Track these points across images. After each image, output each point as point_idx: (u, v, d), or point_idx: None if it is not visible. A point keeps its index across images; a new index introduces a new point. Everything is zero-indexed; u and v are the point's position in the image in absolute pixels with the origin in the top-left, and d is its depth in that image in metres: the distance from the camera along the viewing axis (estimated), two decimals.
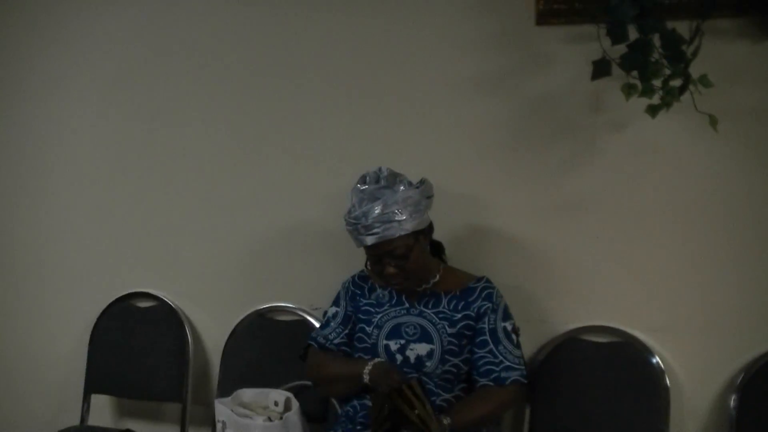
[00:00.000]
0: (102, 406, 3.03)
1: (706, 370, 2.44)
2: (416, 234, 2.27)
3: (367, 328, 2.38)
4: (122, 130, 2.95)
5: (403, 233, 2.22)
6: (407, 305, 2.37)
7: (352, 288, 2.47)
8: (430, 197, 2.31)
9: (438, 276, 2.39)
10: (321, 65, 2.71)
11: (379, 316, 2.38)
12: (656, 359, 2.45)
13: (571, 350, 2.54)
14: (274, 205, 2.82)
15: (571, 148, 2.48)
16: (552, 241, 2.54)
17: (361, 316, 2.42)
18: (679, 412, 2.44)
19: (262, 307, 2.85)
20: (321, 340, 2.45)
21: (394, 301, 2.40)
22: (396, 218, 2.21)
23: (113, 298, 2.98)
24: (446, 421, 2.14)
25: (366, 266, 2.44)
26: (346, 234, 2.50)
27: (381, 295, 2.42)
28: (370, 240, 2.24)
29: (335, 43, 2.69)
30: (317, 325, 2.73)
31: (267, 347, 2.82)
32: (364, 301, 2.43)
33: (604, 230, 2.50)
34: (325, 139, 2.73)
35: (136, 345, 2.95)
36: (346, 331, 2.44)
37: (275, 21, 2.74)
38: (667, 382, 2.43)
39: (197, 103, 2.86)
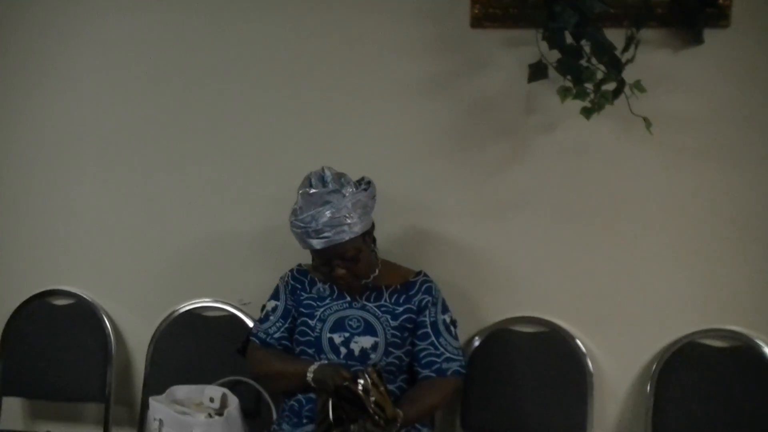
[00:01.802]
0: (16, 410, 2.91)
1: (626, 358, 2.59)
2: (363, 235, 2.31)
3: (309, 322, 2.40)
4: (42, 126, 2.84)
5: (353, 236, 2.26)
6: (349, 299, 2.40)
7: (292, 282, 2.47)
8: (374, 198, 2.35)
9: (378, 270, 2.42)
10: (259, 67, 2.70)
11: (321, 309, 2.40)
12: (581, 348, 2.58)
13: (501, 340, 2.63)
14: (202, 204, 2.78)
15: (506, 149, 2.57)
16: (485, 238, 2.62)
17: (302, 309, 2.43)
18: (601, 397, 2.58)
19: (188, 304, 2.81)
20: (261, 335, 2.44)
21: (335, 295, 2.42)
22: (347, 221, 2.23)
23: (28, 296, 2.86)
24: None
25: (302, 265, 2.47)
26: (274, 232, 2.57)
27: (322, 289, 2.44)
28: (319, 244, 2.25)
29: (275, 45, 2.68)
30: (246, 320, 2.74)
31: (195, 344, 2.78)
32: (305, 295, 2.44)
33: (534, 228, 2.60)
34: (263, 140, 2.72)
35: (54, 345, 2.84)
36: (287, 325, 2.44)
37: (214, 23, 2.70)
38: (591, 368, 2.57)
39: (128, 99, 2.79)
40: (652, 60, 2.40)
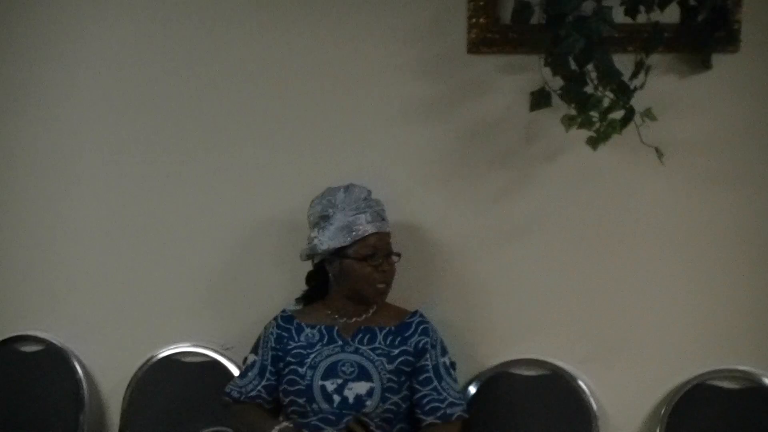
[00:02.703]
0: None
1: (633, 399, 2.47)
2: None
3: (299, 370, 2.25)
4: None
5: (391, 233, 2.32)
6: (341, 342, 2.26)
7: (277, 331, 2.33)
8: None
9: (375, 308, 2.32)
10: (247, 92, 2.59)
11: (312, 355, 2.25)
12: (585, 390, 2.46)
13: (501, 384, 2.51)
14: (181, 241, 2.64)
15: (506, 179, 2.47)
16: (483, 274, 2.52)
17: (291, 359, 2.28)
18: None
19: (167, 349, 2.65)
20: (236, 393, 2.32)
21: (326, 339, 2.28)
22: (385, 216, 2.31)
23: None
24: None
25: (286, 310, 2.36)
26: (258, 271, 2.53)
27: (311, 334, 2.30)
28: (375, 227, 2.25)
29: (267, 66, 2.57)
30: (229, 366, 2.60)
31: (175, 392, 2.63)
32: (294, 344, 2.30)
33: (536, 264, 2.49)
34: (249, 170, 2.60)
35: (22, 394, 2.66)
36: (264, 383, 2.30)
37: (220, 39, 2.60)
38: (596, 412, 2.44)
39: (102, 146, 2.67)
40: (660, 86, 2.32)
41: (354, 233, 2.23)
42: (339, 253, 2.26)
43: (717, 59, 2.33)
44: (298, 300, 2.42)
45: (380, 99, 2.51)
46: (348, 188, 2.30)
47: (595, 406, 2.45)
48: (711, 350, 2.44)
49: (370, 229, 2.23)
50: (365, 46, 2.51)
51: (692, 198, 2.41)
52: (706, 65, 2.32)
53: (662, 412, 2.43)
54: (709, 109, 2.38)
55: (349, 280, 2.27)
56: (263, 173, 2.59)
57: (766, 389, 2.39)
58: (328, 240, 2.25)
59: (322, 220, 2.28)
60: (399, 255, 2.31)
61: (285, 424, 2.18)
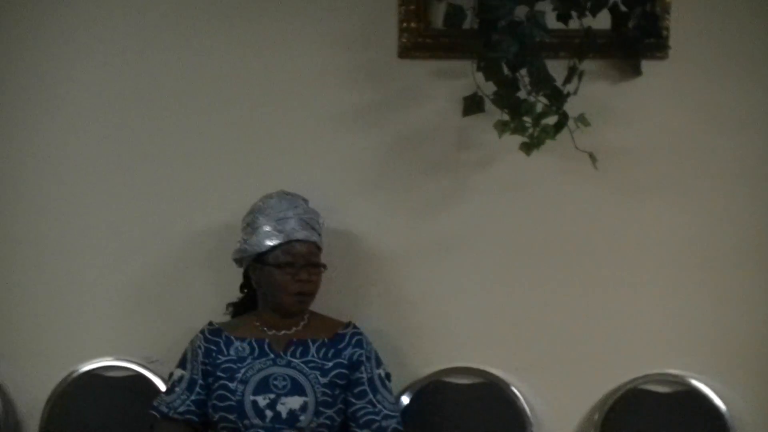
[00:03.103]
0: None
1: (567, 405, 2.47)
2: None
3: (229, 385, 2.17)
4: None
5: (320, 244, 2.26)
6: (272, 356, 2.20)
7: (205, 345, 2.25)
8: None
9: (306, 320, 2.27)
10: (172, 101, 2.52)
11: (243, 370, 2.19)
12: (519, 398, 2.44)
13: (435, 393, 2.48)
14: (102, 247, 2.55)
15: (438, 186, 2.44)
16: (416, 283, 2.49)
17: (220, 373, 2.20)
18: None
19: (88, 363, 2.53)
20: (164, 408, 2.24)
21: (257, 352, 2.21)
22: (317, 227, 2.26)
23: None
24: None
25: (213, 323, 2.29)
26: (183, 279, 2.48)
27: (240, 348, 2.23)
28: (301, 234, 2.20)
29: (192, 73, 2.50)
30: (155, 380, 2.50)
31: (96, 408, 2.52)
32: (223, 358, 2.22)
33: (469, 271, 2.47)
34: (174, 179, 2.53)
35: None
36: (193, 398, 2.22)
37: (148, 49, 2.52)
38: (530, 418, 2.44)
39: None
40: (593, 92, 2.31)
41: (273, 239, 2.18)
42: (260, 259, 2.21)
43: (647, 66, 2.34)
44: (228, 306, 2.37)
45: (311, 106, 2.46)
46: (279, 195, 2.26)
47: (529, 413, 2.44)
48: (642, 355, 2.45)
49: (290, 236, 2.18)
50: (295, 52, 2.46)
51: (624, 204, 2.42)
52: (636, 72, 2.33)
53: (596, 417, 2.43)
54: (640, 115, 2.39)
55: (268, 288, 2.23)
56: (193, 182, 2.52)
57: (696, 392, 2.41)
58: (250, 245, 2.20)
59: (249, 225, 2.23)
60: (323, 266, 2.26)
61: None
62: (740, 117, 2.38)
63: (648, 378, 2.44)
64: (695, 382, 2.41)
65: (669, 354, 2.44)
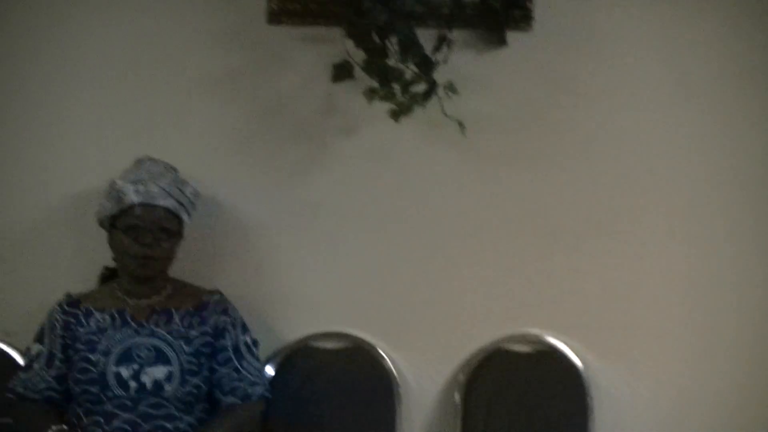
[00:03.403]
0: None
1: (434, 367, 2.50)
2: (181, 226, 2.21)
3: (91, 357, 2.12)
4: None
5: (177, 211, 2.18)
6: (135, 326, 2.16)
7: (64, 317, 2.19)
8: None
9: (170, 288, 2.23)
10: (31, 66, 2.43)
11: (104, 341, 2.13)
12: (386, 360, 2.47)
13: (303, 358, 2.48)
14: None
15: (305, 152, 2.42)
16: (283, 249, 2.47)
17: (80, 346, 2.14)
18: (409, 409, 2.49)
19: None
20: (20, 389, 2.17)
21: (118, 323, 2.16)
22: (174, 194, 2.17)
23: None
24: None
25: (71, 295, 2.23)
26: (42, 249, 2.42)
27: (101, 318, 2.18)
28: (139, 197, 2.12)
29: (59, 38, 2.42)
30: (12, 353, 2.40)
31: None
32: (83, 330, 2.16)
33: (335, 237, 2.47)
34: (46, 144, 2.45)
35: None
36: (53, 373, 2.17)
37: None
38: (397, 380, 2.46)
39: None
40: (462, 61, 2.32)
41: (119, 202, 2.13)
42: (113, 223, 2.16)
43: (512, 37, 2.36)
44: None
45: (178, 71, 2.41)
46: (142, 161, 2.21)
47: (396, 375, 2.46)
48: (504, 317, 2.50)
49: (135, 199, 2.12)
50: (162, 16, 2.39)
51: (489, 173, 2.44)
52: (501, 42, 2.36)
53: (461, 377, 2.48)
54: (506, 85, 2.41)
55: (116, 252, 2.19)
56: (56, 150, 2.44)
57: (556, 350, 2.48)
58: (103, 207, 2.16)
59: (109, 189, 2.17)
60: (178, 234, 2.21)
61: (59, 427, 2.06)
62: (598, 88, 2.43)
63: (510, 338, 2.50)
64: (554, 341, 2.49)
65: (529, 315, 2.50)
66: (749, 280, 2.41)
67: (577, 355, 2.47)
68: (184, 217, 2.21)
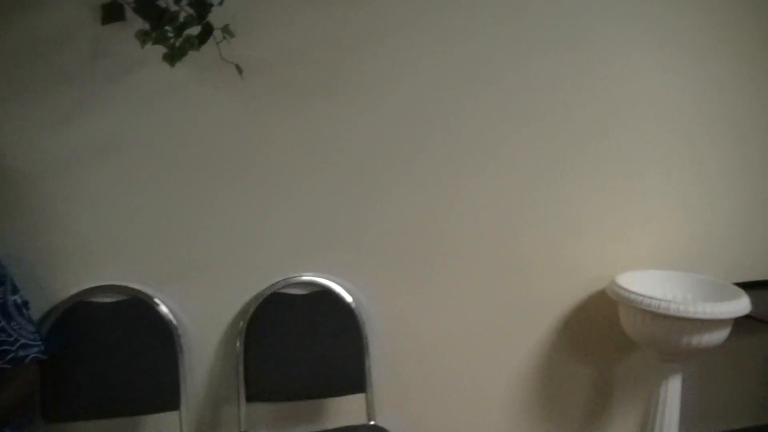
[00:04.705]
0: None
1: (213, 316, 2.53)
2: None
3: None
4: None
5: None
6: None
7: None
8: None
9: None
10: None
11: None
12: (165, 311, 2.45)
13: (79, 315, 2.39)
14: None
15: (76, 96, 2.29)
16: (51, 199, 2.34)
17: None
18: (191, 359, 2.51)
19: None
20: None
21: None
22: None
23: None
24: None
25: None
26: None
27: None
28: None
29: None
30: None
31: None
32: None
33: (109, 184, 2.37)
34: None
35: None
36: None
37: None
38: (178, 331, 2.46)
39: None
40: (238, 3, 2.30)
41: None
42: None
43: None
44: None
45: None
46: None
47: (177, 325, 2.45)
48: (279, 263, 2.55)
49: None
50: None
51: (268, 115, 2.45)
52: None
53: (240, 324, 2.52)
54: (286, 24, 2.40)
55: None
56: None
57: (328, 291, 2.60)
58: None
59: None
60: None
61: None
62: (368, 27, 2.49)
63: (287, 281, 2.56)
64: (328, 283, 2.60)
65: (304, 260, 2.58)
66: None
67: (348, 293, 2.61)
68: None
